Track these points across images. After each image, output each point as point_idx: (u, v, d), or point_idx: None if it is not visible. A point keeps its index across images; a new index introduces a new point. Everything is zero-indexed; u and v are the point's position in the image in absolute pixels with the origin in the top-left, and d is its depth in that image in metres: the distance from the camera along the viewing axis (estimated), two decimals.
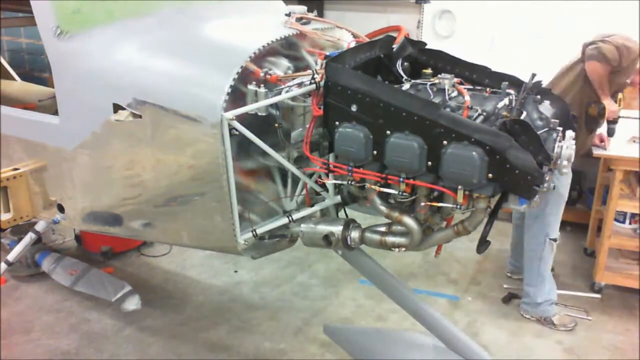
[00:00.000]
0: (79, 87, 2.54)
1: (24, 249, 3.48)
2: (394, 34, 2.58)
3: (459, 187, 1.96)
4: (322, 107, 2.18)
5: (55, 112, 2.67)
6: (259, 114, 2.23)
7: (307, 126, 2.28)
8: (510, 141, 1.87)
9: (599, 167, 4.68)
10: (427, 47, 2.53)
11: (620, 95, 3.76)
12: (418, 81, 2.31)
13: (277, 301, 4.10)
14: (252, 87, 2.22)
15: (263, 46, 2.30)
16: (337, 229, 2.30)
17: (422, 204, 2.10)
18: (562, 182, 3.58)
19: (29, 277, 4.28)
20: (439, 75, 2.24)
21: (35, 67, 7.21)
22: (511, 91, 2.18)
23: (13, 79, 5.13)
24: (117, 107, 2.39)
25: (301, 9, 2.69)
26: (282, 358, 3.50)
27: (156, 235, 2.76)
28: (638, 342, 3.69)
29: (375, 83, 2.11)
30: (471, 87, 2.30)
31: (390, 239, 2.25)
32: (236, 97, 2.20)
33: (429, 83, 2.23)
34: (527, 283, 3.91)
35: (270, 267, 4.53)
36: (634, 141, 3.98)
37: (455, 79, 2.25)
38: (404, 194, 2.08)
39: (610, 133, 3.86)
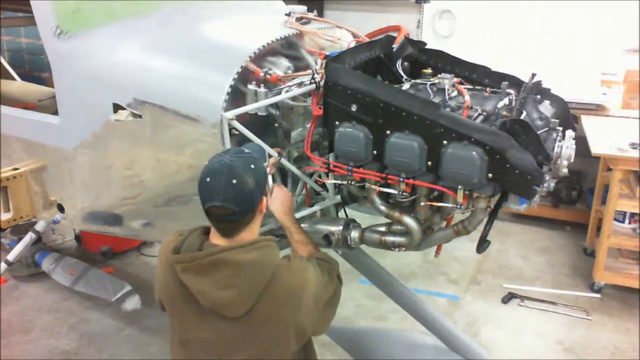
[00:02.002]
0: (79, 87, 2.54)
1: (24, 249, 3.48)
2: (394, 34, 2.58)
3: (459, 186, 1.95)
4: (322, 107, 2.18)
5: (55, 112, 2.67)
6: (259, 113, 2.23)
7: (308, 126, 2.28)
8: (510, 141, 1.87)
9: (599, 167, 4.68)
10: (427, 47, 2.53)
11: None
12: (418, 81, 2.31)
13: None
14: (252, 86, 2.22)
15: (263, 46, 2.30)
16: (337, 228, 2.30)
17: (422, 203, 2.09)
18: None
19: (29, 277, 4.28)
20: (439, 75, 2.24)
21: (35, 67, 7.21)
22: (511, 91, 2.18)
23: (13, 79, 5.12)
24: (117, 107, 2.38)
25: (301, 9, 2.69)
26: None
27: (156, 235, 2.75)
28: (638, 342, 3.69)
29: (375, 83, 2.11)
30: (471, 87, 2.30)
31: (390, 239, 2.24)
32: (236, 96, 2.20)
33: (429, 83, 2.22)
34: None
35: None
36: (634, 147, 3.93)
37: (455, 79, 2.25)
38: (404, 193, 2.07)
39: None
